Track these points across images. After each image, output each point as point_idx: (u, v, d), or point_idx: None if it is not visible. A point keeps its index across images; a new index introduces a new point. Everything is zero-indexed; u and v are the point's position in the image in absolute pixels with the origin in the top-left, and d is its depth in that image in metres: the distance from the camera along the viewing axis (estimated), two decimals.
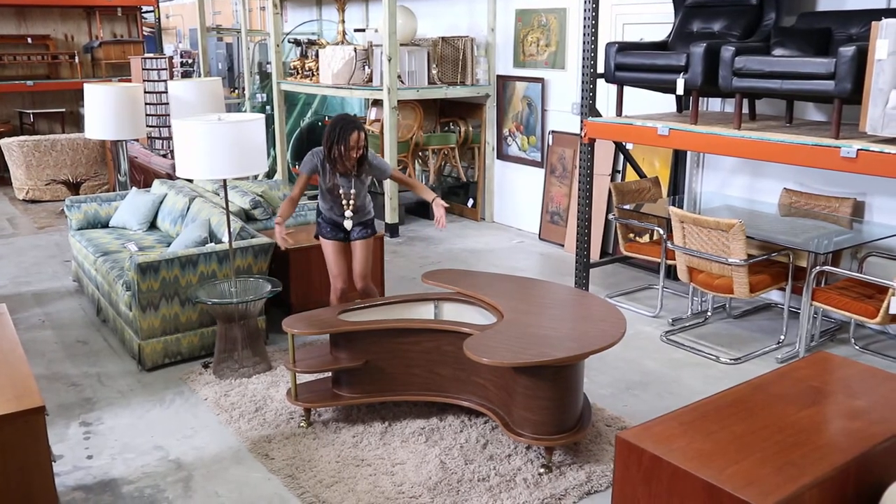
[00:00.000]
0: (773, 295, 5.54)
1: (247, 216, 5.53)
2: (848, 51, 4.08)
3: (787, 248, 4.64)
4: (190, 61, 11.42)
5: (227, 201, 4.40)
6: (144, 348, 4.56)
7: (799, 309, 4.75)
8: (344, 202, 4.45)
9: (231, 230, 4.67)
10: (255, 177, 8.52)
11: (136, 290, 4.47)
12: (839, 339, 5.00)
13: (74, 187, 8.91)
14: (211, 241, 4.93)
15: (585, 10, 5.31)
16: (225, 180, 4.34)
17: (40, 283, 6.25)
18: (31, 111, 11.22)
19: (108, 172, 9.32)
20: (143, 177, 7.98)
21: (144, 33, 12.79)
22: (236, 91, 12.01)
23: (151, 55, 10.93)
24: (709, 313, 5.42)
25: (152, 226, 5.94)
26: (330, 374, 4.01)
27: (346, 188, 4.42)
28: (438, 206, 4.44)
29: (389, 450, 3.67)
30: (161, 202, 5.95)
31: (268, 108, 9.87)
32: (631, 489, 2.17)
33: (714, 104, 5.93)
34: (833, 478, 2.03)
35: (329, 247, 4.59)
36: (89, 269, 5.46)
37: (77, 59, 11.56)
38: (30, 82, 10.94)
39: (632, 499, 2.18)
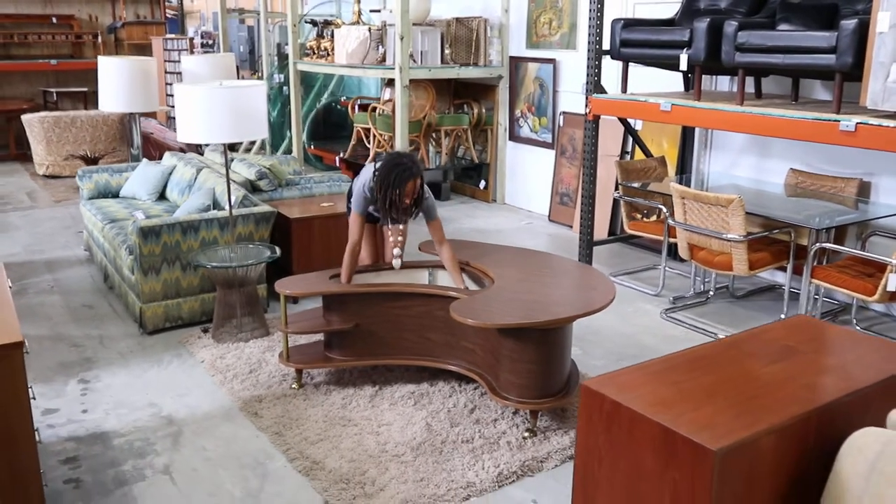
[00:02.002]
0: (778, 276, 5.51)
1: (253, 187, 5.59)
2: (850, 24, 4.04)
3: (788, 225, 4.61)
4: (210, 42, 11.53)
5: (227, 165, 4.46)
6: (146, 311, 4.64)
7: (801, 290, 4.71)
8: (392, 239, 4.08)
9: (232, 197, 4.73)
10: (273, 152, 8.60)
11: (138, 254, 4.55)
12: (842, 321, 4.95)
13: (92, 162, 9.04)
14: (214, 209, 5.00)
15: None
16: (225, 145, 4.39)
17: (53, 252, 6.37)
18: (54, 90, 11.41)
19: (126, 148, 9.44)
20: (158, 152, 8.08)
21: (167, 15, 12.93)
22: (257, 73, 12.10)
23: (173, 36, 11.08)
24: (711, 293, 5.39)
25: (162, 196, 6.03)
26: (323, 338, 4.06)
27: (398, 220, 3.99)
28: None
29: (377, 412, 3.71)
30: (170, 173, 6.03)
31: (285, 88, 9.93)
32: (593, 436, 2.19)
33: (723, 84, 5.88)
34: (792, 426, 2.03)
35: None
36: (98, 236, 5.55)
37: (100, 39, 11.72)
38: (53, 61, 11.10)
39: (594, 445, 2.19)
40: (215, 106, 4.13)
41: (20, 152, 10.51)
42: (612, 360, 4.37)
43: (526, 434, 3.49)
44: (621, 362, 4.34)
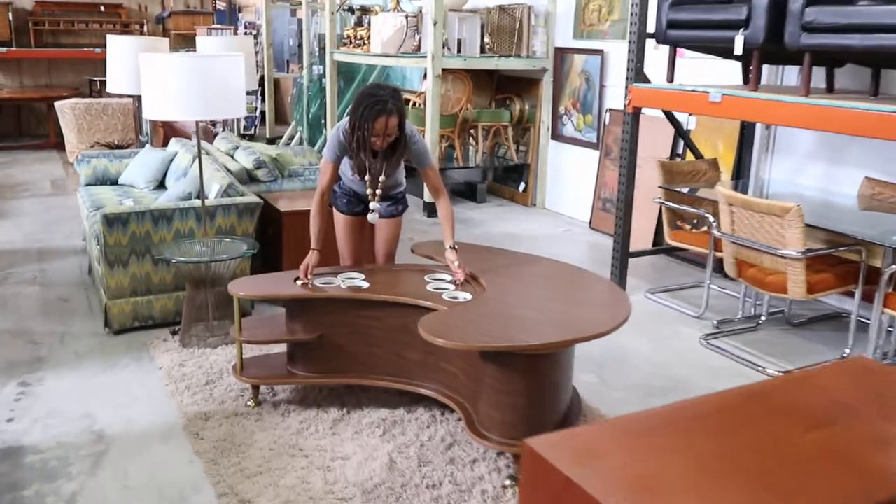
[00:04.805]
0: (846, 303, 4.70)
1: (249, 176, 5.08)
2: None
3: (858, 242, 3.83)
4: (255, 32, 11.19)
5: (199, 146, 3.94)
6: (111, 308, 4.15)
7: (871, 320, 3.92)
8: (370, 190, 3.52)
9: (217, 185, 4.22)
10: (311, 147, 8.13)
11: (103, 244, 4.07)
12: None
13: (117, 150, 8.73)
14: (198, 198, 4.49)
15: None
16: (197, 123, 3.88)
17: (52, 242, 6.00)
18: (98, 79, 11.22)
19: (157, 137, 9.12)
20: None
21: (218, 7, 12.67)
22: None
23: (218, 26, 10.76)
24: (762, 318, 4.62)
25: (162, 185, 5.57)
26: (286, 350, 3.48)
27: (374, 170, 3.45)
28: (450, 257, 3.40)
29: (336, 441, 3.11)
30: (171, 161, 5.57)
31: (324, 80, 9.48)
32: None
33: (790, 78, 5.10)
34: None
35: (342, 222, 3.74)
36: (86, 225, 5.13)
37: (147, 29, 11.51)
38: (98, 49, 10.89)
39: None
40: (183, 79, 3.62)
41: (59, 141, 10.32)
42: (636, 394, 3.67)
43: (507, 482, 2.83)
44: (648, 397, 3.63)
